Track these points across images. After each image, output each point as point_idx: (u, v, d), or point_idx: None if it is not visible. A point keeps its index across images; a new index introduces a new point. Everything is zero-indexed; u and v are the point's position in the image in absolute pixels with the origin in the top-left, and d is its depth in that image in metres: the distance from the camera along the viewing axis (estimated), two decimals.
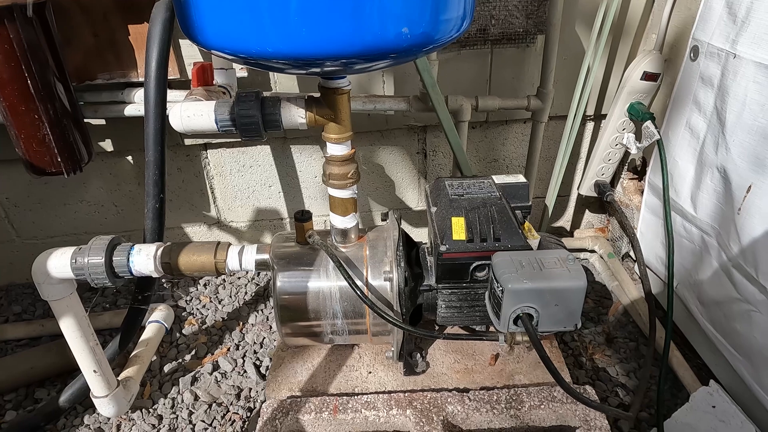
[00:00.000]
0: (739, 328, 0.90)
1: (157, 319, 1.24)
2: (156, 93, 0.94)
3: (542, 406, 0.81)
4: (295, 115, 0.73)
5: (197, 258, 0.87)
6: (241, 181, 1.36)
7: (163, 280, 1.44)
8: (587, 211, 1.47)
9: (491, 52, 1.18)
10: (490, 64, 1.20)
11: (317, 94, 0.75)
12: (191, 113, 0.72)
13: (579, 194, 1.36)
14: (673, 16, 1.07)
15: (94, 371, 0.95)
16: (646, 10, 1.15)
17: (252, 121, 0.71)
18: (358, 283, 0.81)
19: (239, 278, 1.46)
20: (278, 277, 0.84)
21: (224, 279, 1.45)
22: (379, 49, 0.55)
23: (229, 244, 0.89)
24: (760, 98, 0.81)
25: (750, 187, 0.84)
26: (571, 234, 1.48)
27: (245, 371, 1.17)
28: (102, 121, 1.21)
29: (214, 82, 0.94)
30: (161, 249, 0.89)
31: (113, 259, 0.86)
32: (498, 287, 0.74)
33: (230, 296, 1.40)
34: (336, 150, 0.78)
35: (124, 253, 0.87)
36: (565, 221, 1.50)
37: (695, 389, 0.94)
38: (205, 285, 1.44)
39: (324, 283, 0.84)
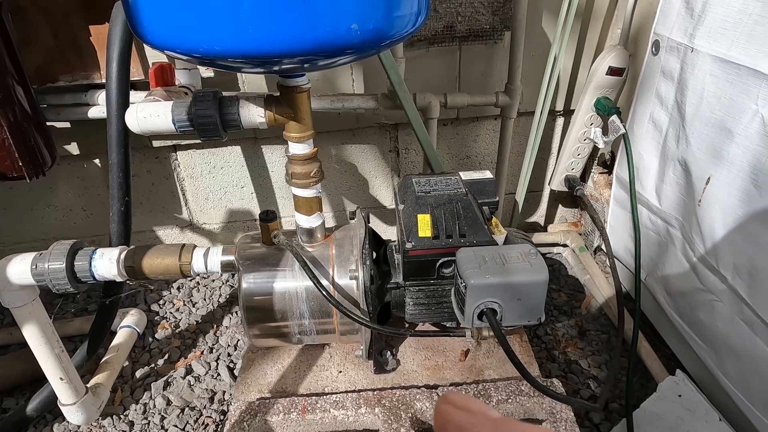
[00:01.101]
0: (703, 317, 0.91)
1: (128, 324, 1.22)
2: (118, 94, 0.93)
3: (509, 400, 0.81)
4: (254, 115, 0.72)
5: (161, 261, 0.86)
6: (213, 182, 1.34)
7: (138, 285, 1.42)
8: (560, 206, 1.49)
9: (459, 49, 1.18)
10: (459, 61, 1.20)
11: (277, 93, 0.74)
12: (147, 114, 0.71)
13: (551, 189, 1.37)
14: (637, 11, 1.08)
15: (61, 378, 0.93)
16: (611, 5, 1.16)
17: (210, 120, 0.71)
18: (324, 282, 0.81)
19: (213, 281, 1.44)
20: (243, 279, 0.83)
21: (198, 282, 1.44)
22: (330, 47, 0.55)
23: (195, 246, 0.88)
24: (716, 91, 0.83)
25: (709, 178, 0.85)
26: (545, 229, 1.50)
27: (219, 374, 1.16)
28: (66, 124, 1.18)
29: (176, 83, 0.93)
30: (124, 252, 0.87)
31: (75, 263, 0.85)
32: (461, 283, 0.74)
33: (204, 299, 1.39)
34: (297, 149, 0.77)
35: (86, 257, 0.85)
36: (539, 216, 1.51)
37: (663, 379, 0.95)
38: (178, 288, 1.42)
39: (290, 283, 0.83)
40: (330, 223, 1.45)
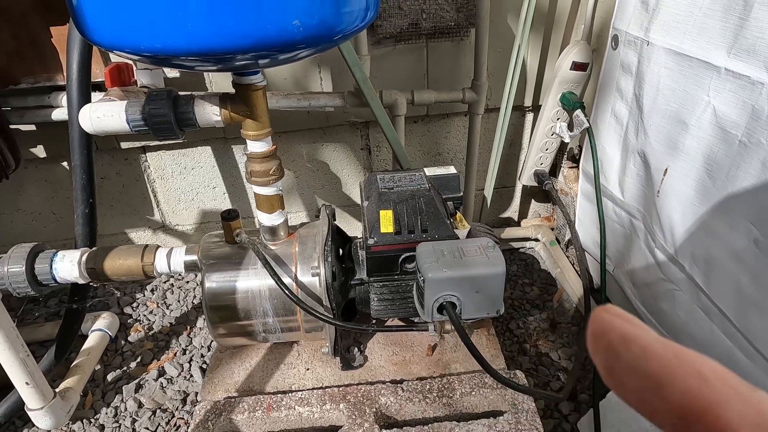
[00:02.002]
0: (665, 307, 0.93)
1: (100, 327, 1.22)
2: (78, 95, 0.93)
3: (473, 393, 0.82)
4: (210, 113, 0.72)
5: (123, 262, 0.86)
6: (184, 183, 1.34)
7: (113, 288, 1.41)
8: (533, 200, 1.50)
9: (426, 47, 1.19)
10: (426, 59, 1.20)
11: (233, 92, 0.74)
12: (101, 114, 0.71)
13: (523, 185, 1.38)
14: (598, 6, 1.10)
15: (27, 383, 0.92)
16: (575, 1, 1.17)
17: (164, 120, 0.70)
18: (286, 280, 0.81)
19: (188, 282, 1.44)
20: (206, 278, 0.83)
21: (172, 284, 1.43)
22: (274, 43, 0.55)
23: (158, 246, 0.88)
24: (671, 83, 0.84)
25: (666, 170, 0.87)
26: (519, 224, 1.51)
27: (192, 375, 1.16)
28: (32, 127, 1.17)
29: (136, 83, 0.93)
30: (86, 254, 0.87)
31: (35, 266, 0.84)
32: (420, 277, 0.75)
33: (178, 300, 1.38)
34: (256, 147, 0.77)
35: (46, 260, 0.85)
36: (512, 212, 1.52)
37: None
38: (152, 291, 1.41)
39: (253, 282, 0.83)
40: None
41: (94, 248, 0.88)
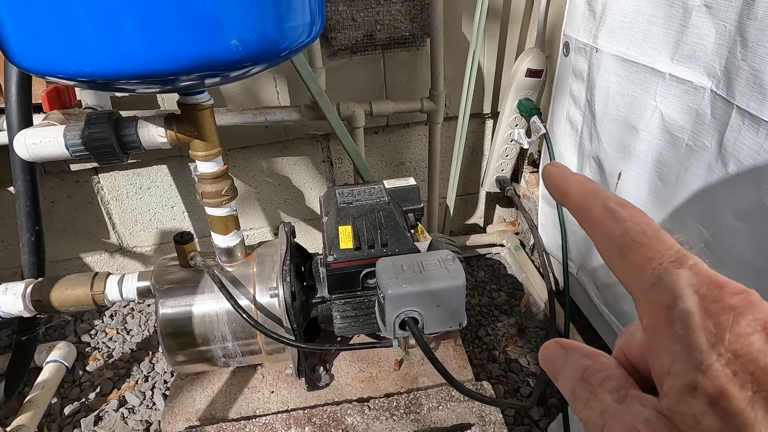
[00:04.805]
0: (626, 308, 0.94)
1: (55, 358, 1.16)
2: (18, 118, 0.89)
3: (440, 407, 0.81)
4: (155, 135, 0.70)
5: (72, 292, 0.82)
6: (140, 203, 1.29)
7: (65, 316, 1.35)
8: (498, 206, 1.51)
9: (383, 57, 1.18)
10: (383, 69, 1.20)
11: (179, 111, 0.72)
12: (37, 140, 0.67)
13: (486, 191, 1.39)
14: (550, 13, 1.11)
15: None
16: (527, 7, 1.18)
17: (105, 144, 0.67)
18: (243, 302, 0.79)
19: (149, 305, 1.39)
20: (160, 305, 0.80)
21: (132, 308, 1.38)
22: (211, 63, 0.53)
23: (108, 274, 0.84)
24: (620, 89, 0.85)
25: (620, 174, 0.88)
26: (484, 229, 1.51)
27: (154, 403, 1.11)
28: None
29: (81, 104, 0.89)
30: (31, 286, 0.83)
31: None
32: (380, 294, 0.73)
33: (140, 325, 1.33)
34: (206, 167, 0.75)
35: None
36: (477, 218, 1.52)
37: None
38: (111, 316, 1.36)
39: (210, 306, 0.81)
40: (268, 237, 1.42)
41: (40, 279, 0.84)
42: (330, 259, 0.81)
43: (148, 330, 1.32)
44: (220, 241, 0.82)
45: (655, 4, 0.77)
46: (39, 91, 0.98)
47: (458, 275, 0.73)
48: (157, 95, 1.13)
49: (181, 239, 0.81)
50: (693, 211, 0.74)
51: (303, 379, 0.89)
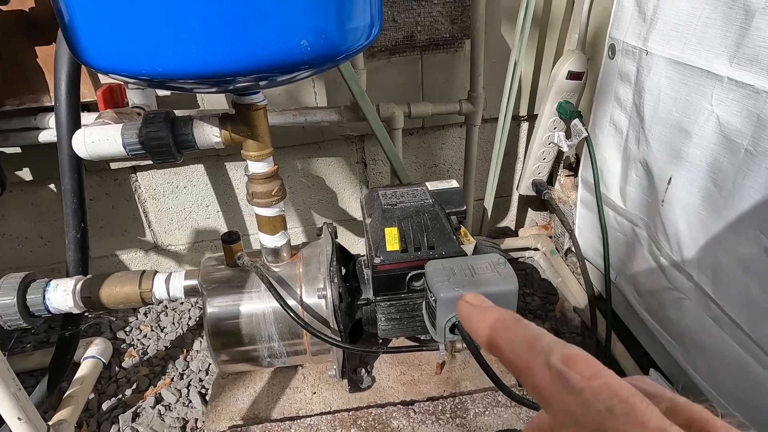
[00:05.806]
0: (672, 315, 0.92)
1: (93, 354, 1.17)
2: (67, 117, 0.89)
3: (487, 412, 0.80)
4: (209, 134, 0.70)
5: (120, 289, 0.83)
6: (176, 202, 1.30)
7: (101, 313, 1.36)
8: (530, 209, 1.49)
9: (421, 59, 1.18)
10: (421, 71, 1.19)
11: (233, 112, 0.72)
12: (96, 138, 0.68)
13: (520, 194, 1.38)
14: (592, 16, 1.10)
15: (19, 418, 0.88)
16: (568, 10, 1.17)
17: (162, 143, 0.68)
18: (291, 303, 0.79)
19: (182, 303, 1.40)
20: (208, 303, 0.80)
21: (166, 306, 1.39)
22: (280, 64, 0.53)
23: (155, 272, 0.85)
24: (671, 92, 0.84)
25: (670, 179, 0.87)
26: (516, 233, 1.50)
27: (190, 401, 1.12)
28: (17, 149, 1.13)
29: (129, 103, 0.90)
30: (81, 283, 0.84)
31: (27, 297, 0.81)
32: (431, 297, 0.73)
33: (173, 323, 1.34)
34: (257, 168, 0.75)
35: (39, 290, 0.81)
36: (509, 221, 1.51)
37: None
38: (145, 314, 1.37)
39: (257, 305, 0.81)
40: (300, 238, 1.42)
41: (89, 276, 0.85)
42: (377, 261, 0.81)
43: (181, 328, 1.33)
44: (268, 241, 0.82)
45: (713, 6, 0.75)
46: (85, 90, 0.99)
47: (511, 280, 0.72)
48: (198, 96, 1.14)
49: (229, 239, 0.82)
50: (751, 218, 0.73)
51: (345, 380, 0.88)
